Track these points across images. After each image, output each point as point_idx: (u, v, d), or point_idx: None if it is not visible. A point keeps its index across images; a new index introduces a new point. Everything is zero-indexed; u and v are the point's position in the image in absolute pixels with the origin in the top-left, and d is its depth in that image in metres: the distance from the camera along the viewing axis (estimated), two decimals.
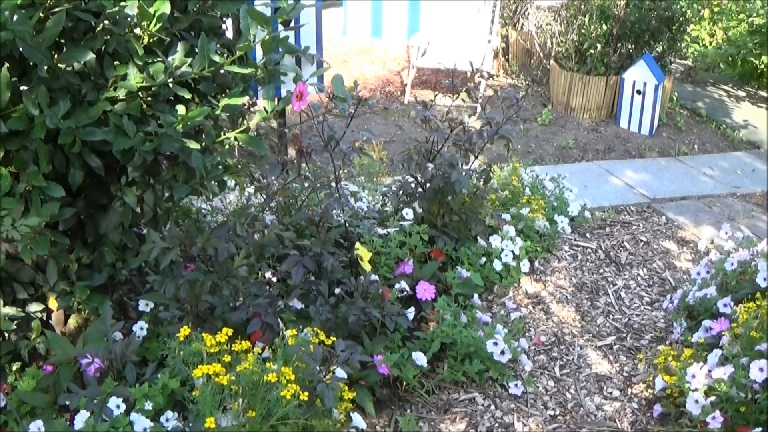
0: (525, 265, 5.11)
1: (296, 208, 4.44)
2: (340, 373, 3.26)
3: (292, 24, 4.66)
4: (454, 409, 3.96)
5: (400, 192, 4.92)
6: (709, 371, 3.85)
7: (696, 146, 8.67)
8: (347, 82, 4.21)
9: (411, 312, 4.12)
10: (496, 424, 3.90)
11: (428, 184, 4.80)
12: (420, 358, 3.90)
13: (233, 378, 3.00)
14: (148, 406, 3.17)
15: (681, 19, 9.22)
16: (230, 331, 3.23)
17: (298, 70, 4.45)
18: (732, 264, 4.79)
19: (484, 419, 3.92)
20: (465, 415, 3.92)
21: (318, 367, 3.19)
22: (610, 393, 4.25)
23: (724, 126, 9.54)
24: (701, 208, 6.88)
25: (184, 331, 3.23)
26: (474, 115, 4.89)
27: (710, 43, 12.74)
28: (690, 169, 7.86)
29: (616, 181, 7.25)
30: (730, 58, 11.76)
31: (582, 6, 8.95)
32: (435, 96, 5.10)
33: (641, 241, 6.03)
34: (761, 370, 3.69)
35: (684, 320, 4.71)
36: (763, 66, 11.50)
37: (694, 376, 3.82)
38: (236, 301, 3.63)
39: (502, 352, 4.04)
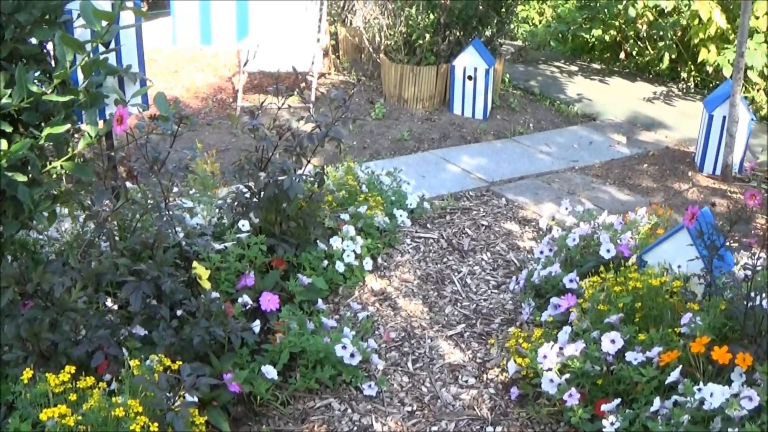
0: (368, 263, 5.20)
1: (131, 232, 4.44)
2: (190, 397, 3.31)
3: (113, 45, 4.68)
4: (311, 417, 4.00)
5: (235, 203, 4.94)
6: (561, 349, 3.99)
7: (531, 125, 8.92)
8: (179, 93, 4.24)
9: (257, 325, 4.15)
10: (355, 428, 3.96)
11: (262, 193, 4.83)
12: (270, 371, 3.94)
13: (80, 417, 3.02)
14: None
15: (509, 1, 9.47)
16: (73, 369, 3.23)
17: (119, 92, 4.45)
18: (574, 239, 4.96)
19: (342, 424, 3.98)
20: (323, 422, 3.97)
21: (167, 395, 3.23)
22: (466, 381, 4.35)
23: (558, 102, 9.85)
24: (541, 186, 7.09)
25: (27, 373, 3.24)
26: (303, 118, 4.94)
27: (540, 22, 13.12)
28: (527, 149, 8.08)
29: (453, 168, 7.38)
30: (560, 35, 12.13)
31: None
32: (262, 102, 5.14)
33: (483, 225, 6.18)
34: (613, 341, 3.84)
35: (532, 300, 4.86)
36: (594, 39, 11.89)
37: (545, 357, 3.96)
38: (78, 335, 3.62)
39: (352, 355, 4.13)
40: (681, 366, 3.68)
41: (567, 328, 4.20)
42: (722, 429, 3.38)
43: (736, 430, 3.30)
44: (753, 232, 6.28)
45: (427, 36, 8.83)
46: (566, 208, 5.58)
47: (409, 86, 8.94)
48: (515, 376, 4.25)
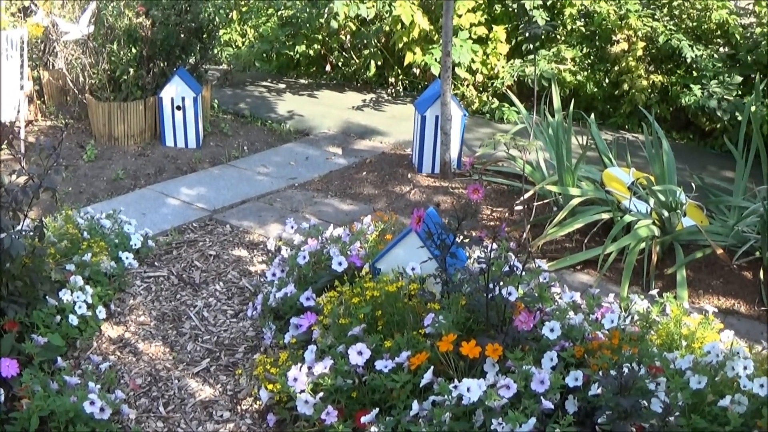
0: (101, 312, 5.14)
1: None
2: None
3: None
4: None
5: None
6: (310, 368, 4.09)
7: (246, 148, 9.07)
8: None
9: (0, 394, 4.09)
10: None
11: None
12: None
13: None
14: None
15: (210, 26, 9.58)
16: None
17: None
18: (304, 257, 5.09)
19: None
20: None
21: None
22: (221, 416, 4.41)
23: (270, 121, 10.07)
24: (263, 208, 7.24)
25: None
26: (15, 172, 4.87)
27: (243, 44, 13.29)
28: (244, 172, 8.22)
29: (173, 201, 7.38)
30: (264, 54, 12.34)
31: (109, 33, 9.02)
32: None
33: (211, 255, 6.26)
34: (360, 353, 4.01)
35: (272, 323, 4.97)
36: (298, 55, 12.18)
37: (296, 379, 4.04)
38: None
39: (102, 409, 4.06)
40: (432, 366, 3.87)
41: (312, 347, 4.32)
42: (485, 420, 3.58)
43: (500, 419, 3.51)
44: (481, 224, 6.66)
45: (131, 70, 8.80)
46: (292, 227, 5.72)
47: (119, 123, 8.86)
48: (269, 403, 4.34)
